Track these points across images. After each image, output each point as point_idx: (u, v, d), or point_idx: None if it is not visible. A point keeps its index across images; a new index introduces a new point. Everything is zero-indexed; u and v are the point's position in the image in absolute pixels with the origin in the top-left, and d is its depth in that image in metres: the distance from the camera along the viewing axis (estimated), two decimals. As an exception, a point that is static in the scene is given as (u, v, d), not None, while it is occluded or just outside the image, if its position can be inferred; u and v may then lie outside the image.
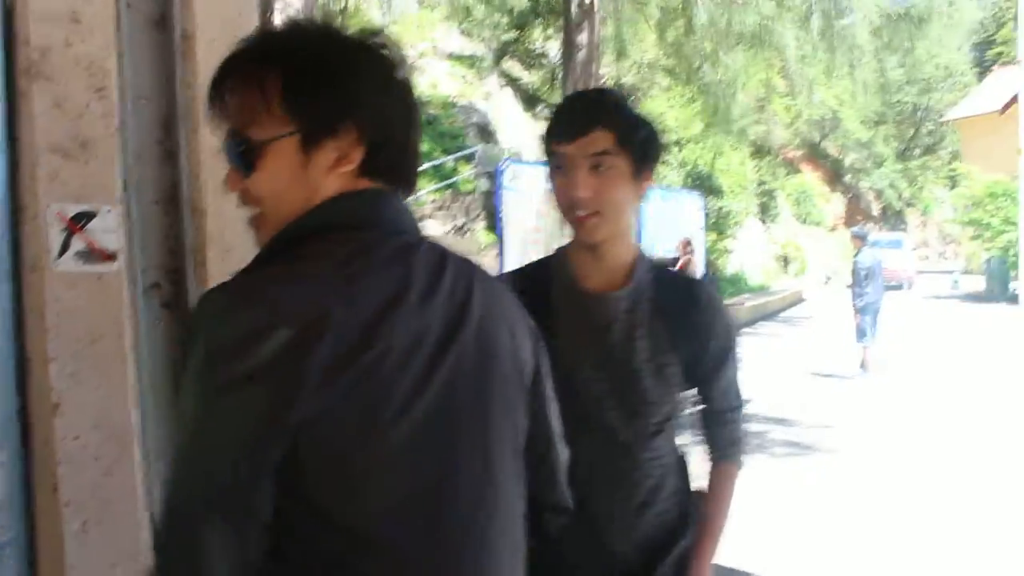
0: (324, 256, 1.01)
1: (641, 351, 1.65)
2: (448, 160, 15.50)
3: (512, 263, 9.26)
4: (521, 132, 20.17)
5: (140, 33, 1.73)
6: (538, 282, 1.71)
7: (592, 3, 14.50)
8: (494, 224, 13.83)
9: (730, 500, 1.79)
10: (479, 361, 1.08)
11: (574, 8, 14.61)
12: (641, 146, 1.59)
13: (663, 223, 14.51)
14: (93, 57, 1.61)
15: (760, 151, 29.59)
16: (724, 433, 1.79)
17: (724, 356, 1.73)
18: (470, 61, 20.54)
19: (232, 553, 0.92)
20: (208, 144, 1.74)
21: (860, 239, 11.06)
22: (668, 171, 20.64)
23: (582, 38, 14.32)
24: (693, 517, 1.76)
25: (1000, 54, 38.16)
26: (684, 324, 1.67)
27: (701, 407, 1.80)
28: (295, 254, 1.02)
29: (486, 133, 18.54)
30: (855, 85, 19.77)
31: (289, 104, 1.03)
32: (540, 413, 1.21)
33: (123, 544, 1.64)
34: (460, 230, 14.56)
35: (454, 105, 18.20)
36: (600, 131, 1.55)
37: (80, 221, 1.60)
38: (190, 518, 0.92)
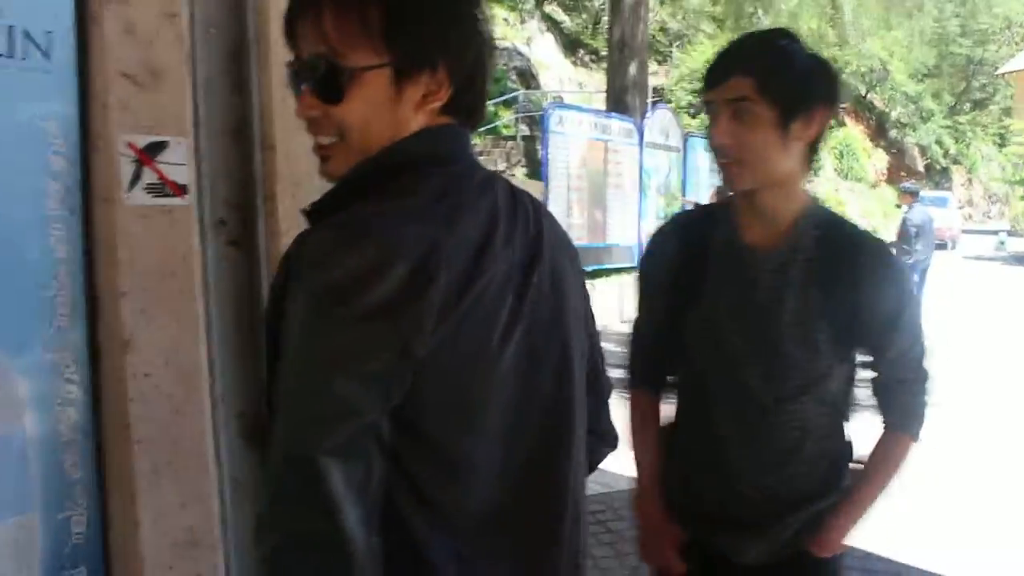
0: (420, 191, 1.00)
1: (787, 313, 1.55)
2: (488, 105, 15.35)
3: (554, 208, 9.17)
4: (562, 77, 19.88)
5: (211, -43, 1.66)
6: (702, 229, 1.67)
7: (641, -55, 14.07)
8: (534, 170, 13.69)
9: (887, 473, 1.66)
10: (554, 289, 1.10)
11: (622, -50, 14.20)
12: (788, 91, 1.47)
13: (703, 173, 14.31)
14: (165, -20, 1.54)
15: (804, 103, 28.81)
16: (896, 403, 1.67)
17: (893, 325, 1.59)
18: (512, 4, 20.17)
19: (359, 494, 0.89)
20: (279, 77, 1.67)
21: (911, 195, 10.69)
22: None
23: (630, -19, 13.92)
24: (844, 484, 1.67)
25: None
26: (842, 289, 1.54)
27: (872, 375, 1.67)
28: (388, 189, 1.00)
29: (527, 78, 18.29)
30: (911, 36, 19.16)
31: (389, 36, 1.00)
32: (591, 341, 1.23)
33: (193, 483, 1.62)
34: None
35: (495, 48, 17.94)
36: (739, 77, 1.48)
37: (151, 152, 1.55)
38: (315, 460, 0.87)
